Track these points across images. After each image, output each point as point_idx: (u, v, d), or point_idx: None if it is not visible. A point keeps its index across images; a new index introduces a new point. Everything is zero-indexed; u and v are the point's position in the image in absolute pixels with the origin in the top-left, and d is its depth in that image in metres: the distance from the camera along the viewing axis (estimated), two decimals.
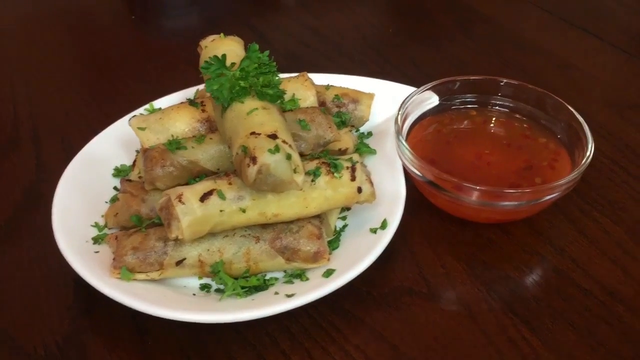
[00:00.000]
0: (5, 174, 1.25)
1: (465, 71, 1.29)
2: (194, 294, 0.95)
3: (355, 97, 1.21)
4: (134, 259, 0.93)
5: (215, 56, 0.96)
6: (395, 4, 1.94)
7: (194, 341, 0.92)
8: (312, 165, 0.98)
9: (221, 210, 0.91)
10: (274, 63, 0.99)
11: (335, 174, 0.97)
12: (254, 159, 0.86)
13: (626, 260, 1.04)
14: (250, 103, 0.95)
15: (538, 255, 1.06)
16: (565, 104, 1.14)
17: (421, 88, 1.18)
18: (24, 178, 1.24)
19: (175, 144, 1.00)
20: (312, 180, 0.96)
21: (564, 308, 0.97)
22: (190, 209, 0.90)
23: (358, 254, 0.96)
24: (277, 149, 0.87)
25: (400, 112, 1.12)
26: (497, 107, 1.22)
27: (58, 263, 0.97)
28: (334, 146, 1.10)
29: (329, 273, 0.94)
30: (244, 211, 0.92)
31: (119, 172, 1.14)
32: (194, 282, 0.98)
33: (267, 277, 0.98)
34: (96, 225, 1.03)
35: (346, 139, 1.13)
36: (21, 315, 0.97)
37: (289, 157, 0.89)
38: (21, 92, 1.51)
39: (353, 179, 0.98)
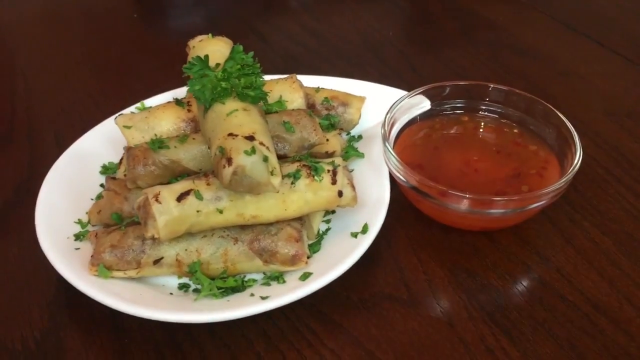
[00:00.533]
0: None
1: (464, 77, 1.27)
2: (171, 293, 0.95)
3: (345, 100, 1.20)
4: (111, 257, 0.94)
5: (198, 56, 0.96)
6: (399, 8, 1.93)
7: (170, 340, 0.92)
8: (292, 167, 0.97)
9: (198, 211, 0.91)
10: (258, 65, 0.99)
11: (315, 177, 0.96)
12: (229, 160, 0.86)
13: (613, 272, 1.02)
14: (231, 104, 0.95)
15: (523, 264, 1.04)
16: (555, 110, 1.12)
17: (410, 93, 1.17)
18: (16, 173, 1.25)
19: (157, 143, 1.00)
20: (292, 183, 0.96)
21: (545, 319, 0.95)
22: (167, 209, 0.90)
23: (337, 258, 0.95)
24: (253, 151, 0.87)
25: (387, 117, 1.11)
26: (488, 113, 1.21)
27: (42, 259, 0.97)
28: (321, 149, 1.10)
29: (305, 276, 0.94)
30: (221, 212, 0.92)
31: (107, 169, 1.15)
32: (173, 281, 0.98)
33: (245, 279, 0.98)
34: (79, 222, 1.04)
35: (333, 142, 1.12)
36: (2, 309, 0.98)
37: (265, 159, 0.88)
38: (20, 87, 1.53)
39: (334, 182, 0.97)
